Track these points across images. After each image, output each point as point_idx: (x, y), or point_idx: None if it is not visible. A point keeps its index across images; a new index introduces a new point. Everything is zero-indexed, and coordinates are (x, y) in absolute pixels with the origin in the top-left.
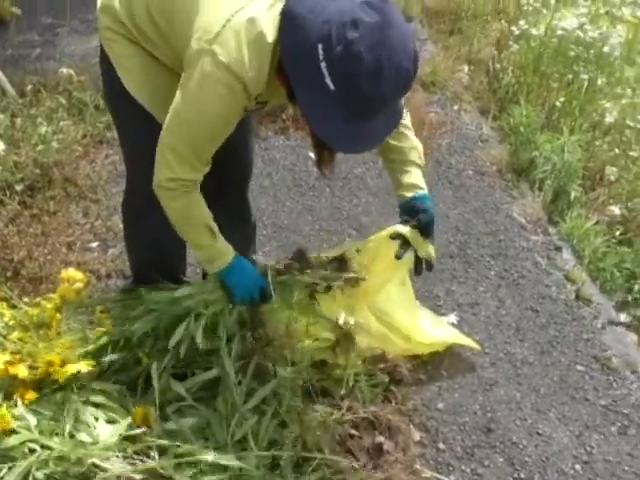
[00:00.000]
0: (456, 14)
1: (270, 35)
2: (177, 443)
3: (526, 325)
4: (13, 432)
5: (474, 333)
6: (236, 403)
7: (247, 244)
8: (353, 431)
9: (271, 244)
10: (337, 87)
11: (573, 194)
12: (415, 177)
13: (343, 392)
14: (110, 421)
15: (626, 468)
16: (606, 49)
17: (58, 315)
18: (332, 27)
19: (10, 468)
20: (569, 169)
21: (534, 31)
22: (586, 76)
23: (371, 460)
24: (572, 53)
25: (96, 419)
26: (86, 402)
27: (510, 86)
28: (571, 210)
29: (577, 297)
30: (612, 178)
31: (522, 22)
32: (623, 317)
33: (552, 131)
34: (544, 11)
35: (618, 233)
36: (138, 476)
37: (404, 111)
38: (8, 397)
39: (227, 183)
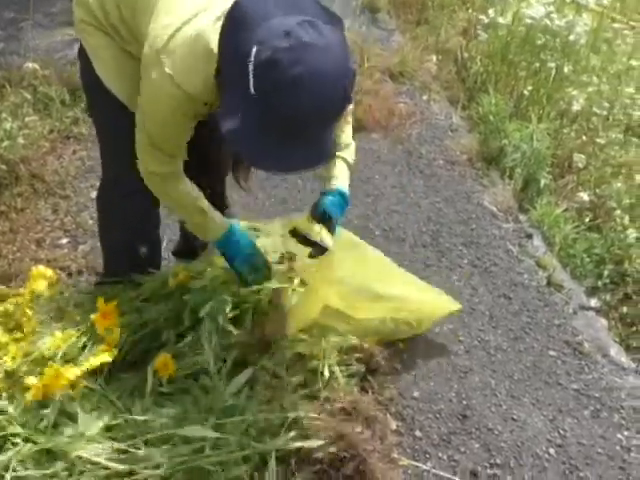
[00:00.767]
0: (423, 4)
1: (216, 46)
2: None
3: (499, 312)
4: None
5: (448, 322)
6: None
7: None
8: (330, 420)
9: None
10: (257, 93)
11: (543, 182)
12: (337, 170)
13: (319, 384)
14: (93, 409)
15: (599, 450)
16: (572, 37)
17: (29, 312)
18: (270, 33)
19: None
20: (538, 157)
21: (501, 20)
22: (553, 64)
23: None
24: (539, 42)
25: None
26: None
27: (479, 75)
28: (541, 197)
29: (548, 283)
30: (580, 165)
31: (490, 11)
32: (593, 302)
33: (521, 119)
34: (510, 0)
35: (587, 219)
36: (122, 466)
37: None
38: None
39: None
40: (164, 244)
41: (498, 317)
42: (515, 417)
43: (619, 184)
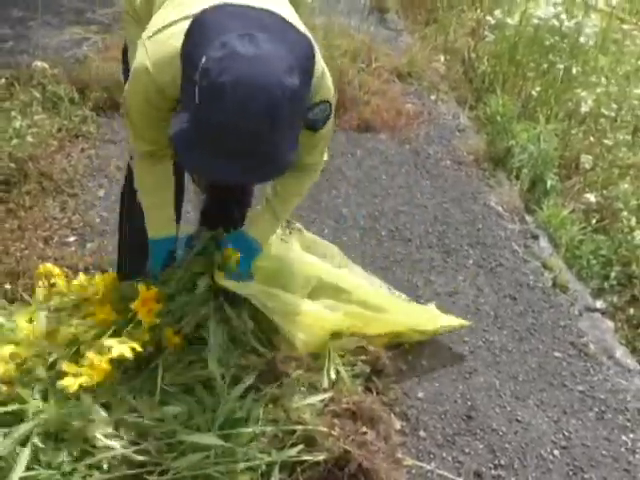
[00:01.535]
0: (432, 4)
1: None
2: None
3: (504, 313)
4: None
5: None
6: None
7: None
8: (335, 421)
9: None
10: (199, 99)
11: (549, 182)
12: (260, 222)
13: (326, 384)
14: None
15: (604, 452)
16: (581, 39)
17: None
18: (215, 45)
19: (6, 435)
20: (545, 158)
21: (509, 20)
22: (561, 65)
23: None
24: (547, 42)
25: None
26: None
27: (486, 75)
28: (548, 198)
29: (554, 284)
30: (587, 166)
31: (497, 12)
32: (599, 304)
33: (528, 120)
34: (517, 0)
35: (594, 221)
36: (139, 457)
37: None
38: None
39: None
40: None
41: (503, 318)
42: (520, 418)
43: (626, 185)
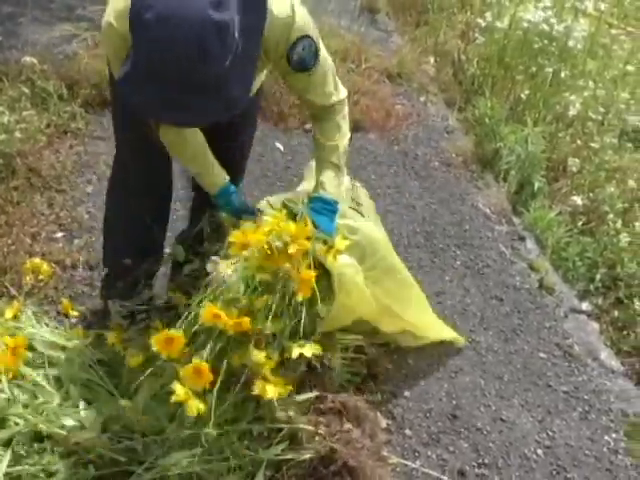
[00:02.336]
0: (422, 6)
1: None
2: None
3: (491, 314)
4: None
5: None
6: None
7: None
8: (321, 419)
9: None
10: (132, 39)
11: (537, 185)
12: (325, 176)
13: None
14: (94, 401)
15: (587, 452)
16: (570, 42)
17: None
18: None
19: None
20: (533, 160)
21: (499, 24)
22: (550, 69)
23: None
24: (536, 46)
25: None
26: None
27: (475, 78)
28: (535, 200)
29: (540, 286)
30: (574, 169)
31: (488, 14)
32: (585, 306)
33: (516, 122)
34: (507, 3)
35: (580, 223)
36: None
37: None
38: None
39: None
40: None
41: (490, 318)
42: (504, 418)
43: (612, 189)
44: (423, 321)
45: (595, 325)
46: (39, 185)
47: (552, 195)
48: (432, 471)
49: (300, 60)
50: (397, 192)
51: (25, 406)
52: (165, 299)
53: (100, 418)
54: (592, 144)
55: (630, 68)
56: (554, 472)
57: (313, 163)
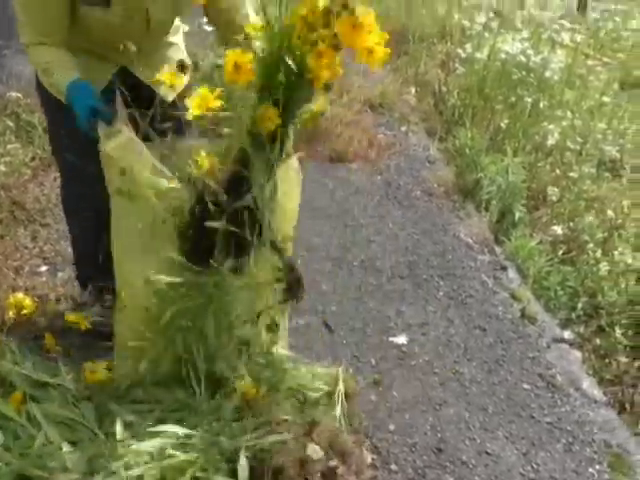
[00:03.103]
0: (403, 36)
1: None
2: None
3: (474, 344)
4: None
5: (424, 353)
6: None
7: None
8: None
9: None
10: None
11: (517, 214)
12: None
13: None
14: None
15: None
16: (547, 73)
17: None
18: None
19: None
20: (513, 190)
21: (478, 55)
22: (529, 99)
23: None
24: (515, 76)
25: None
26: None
27: (456, 108)
28: (516, 230)
29: (523, 315)
30: (554, 198)
31: (467, 46)
32: (567, 334)
33: (496, 152)
34: (486, 34)
35: (561, 252)
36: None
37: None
38: None
39: None
40: None
41: (473, 349)
42: (489, 451)
43: (591, 218)
44: None
45: (577, 354)
46: (23, 218)
47: (533, 224)
48: None
49: None
50: (380, 222)
51: (7, 449)
52: None
53: (84, 458)
54: (571, 174)
55: (606, 99)
56: None
57: None
